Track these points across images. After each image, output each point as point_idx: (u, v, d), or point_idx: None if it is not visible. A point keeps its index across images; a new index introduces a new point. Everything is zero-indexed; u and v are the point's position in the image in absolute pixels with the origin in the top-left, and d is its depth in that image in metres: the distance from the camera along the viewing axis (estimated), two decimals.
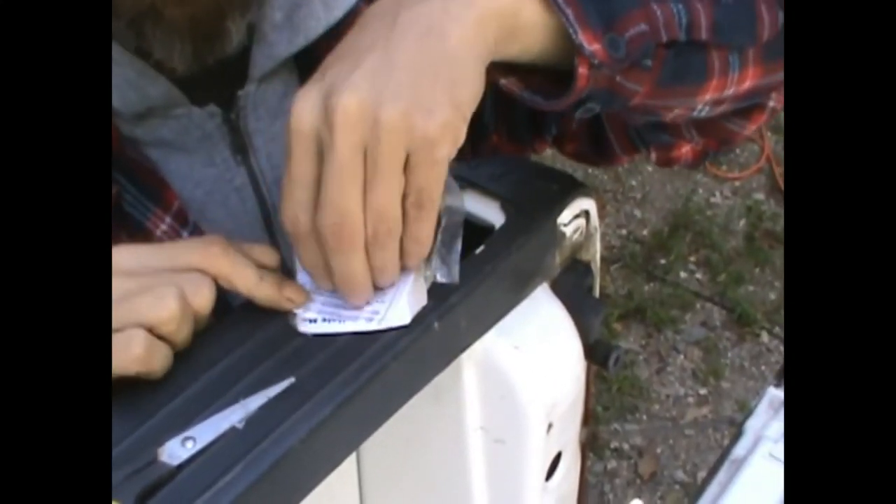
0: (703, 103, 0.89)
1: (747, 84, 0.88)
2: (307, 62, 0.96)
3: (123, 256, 0.74)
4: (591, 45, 0.77)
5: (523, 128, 1.06)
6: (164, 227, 0.94)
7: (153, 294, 0.71)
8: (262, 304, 0.76)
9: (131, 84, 0.90)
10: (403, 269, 0.76)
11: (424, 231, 0.74)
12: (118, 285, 0.72)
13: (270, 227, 1.00)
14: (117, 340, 0.69)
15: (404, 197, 0.72)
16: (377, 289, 0.76)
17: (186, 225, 0.94)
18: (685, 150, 0.98)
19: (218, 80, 0.92)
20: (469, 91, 0.74)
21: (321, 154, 0.72)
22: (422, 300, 0.76)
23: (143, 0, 0.81)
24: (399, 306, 0.75)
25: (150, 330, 0.71)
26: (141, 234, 0.93)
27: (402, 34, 0.73)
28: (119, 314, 0.70)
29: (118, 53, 0.88)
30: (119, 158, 0.92)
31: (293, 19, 0.93)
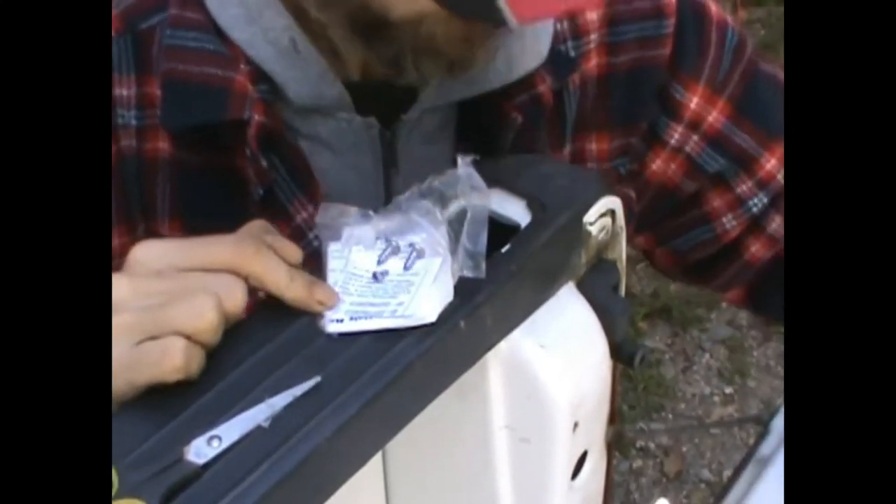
0: None
1: None
2: (471, 104, 0.99)
3: (154, 254, 0.75)
4: None
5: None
6: (304, 214, 0.96)
7: (191, 303, 0.72)
8: (291, 304, 0.76)
9: (310, 80, 0.93)
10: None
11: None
12: (151, 287, 0.73)
13: None
14: (155, 349, 0.70)
15: None
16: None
17: None
18: None
19: (385, 97, 0.95)
20: None
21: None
22: (448, 296, 0.76)
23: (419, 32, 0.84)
24: (421, 301, 0.75)
25: (188, 338, 0.71)
26: (283, 217, 0.95)
27: None
28: (156, 321, 0.71)
29: (307, 49, 0.92)
30: (281, 144, 0.94)
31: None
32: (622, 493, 2.88)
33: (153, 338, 0.70)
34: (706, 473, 2.93)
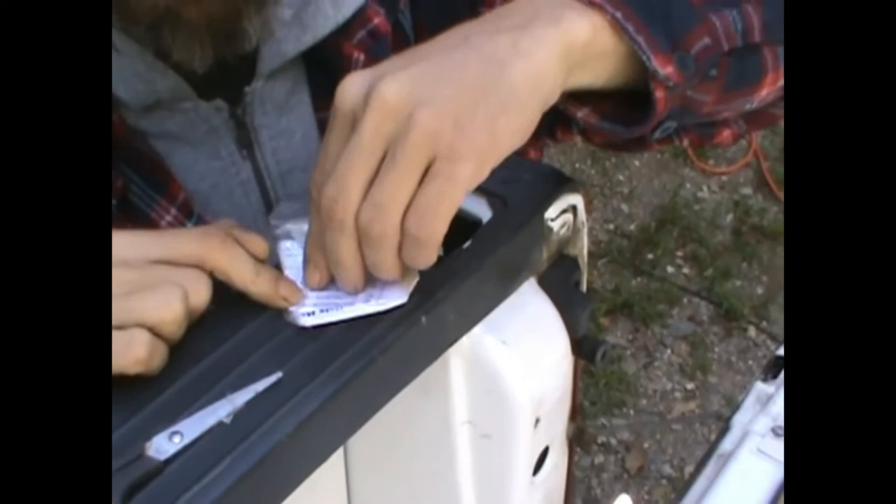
0: (759, 99, 0.91)
1: None
2: (315, 59, 0.97)
3: (123, 244, 0.74)
4: (665, 69, 0.78)
5: (548, 118, 1.09)
6: (168, 218, 0.95)
7: (157, 294, 0.71)
8: (256, 299, 0.76)
9: (140, 76, 0.91)
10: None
11: (421, 258, 0.73)
12: (118, 276, 0.72)
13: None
14: (119, 339, 0.69)
15: (407, 209, 0.71)
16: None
17: (191, 217, 0.95)
18: (725, 134, 0.98)
19: (226, 76, 0.93)
20: (515, 126, 0.74)
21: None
22: (414, 276, 0.76)
23: (159, 3, 0.81)
24: (393, 286, 0.76)
25: (151, 329, 0.71)
26: (146, 225, 0.93)
27: (465, 54, 0.74)
28: (121, 311, 0.70)
29: (129, 46, 0.89)
30: (126, 149, 0.93)
31: (302, 17, 0.94)
32: (583, 489, 2.89)
33: (118, 328, 0.70)
34: (668, 469, 2.94)
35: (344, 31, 0.95)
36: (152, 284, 0.72)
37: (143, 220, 0.94)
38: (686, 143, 0.98)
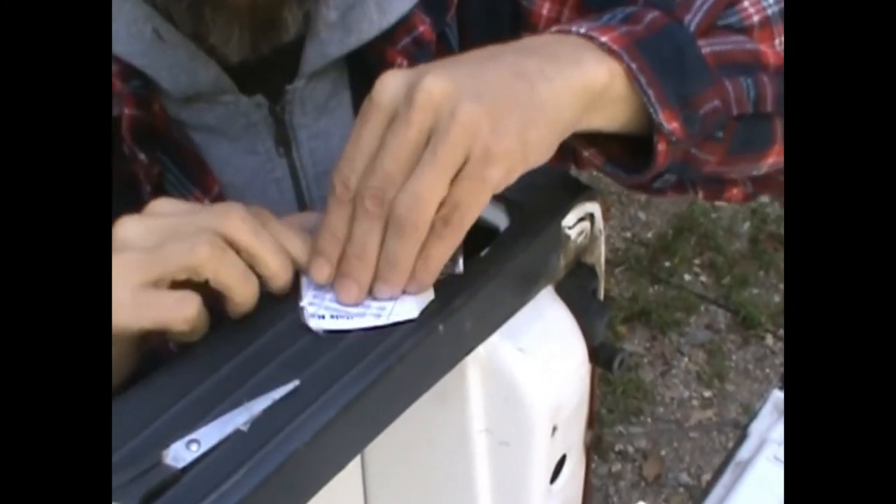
0: (766, 166, 0.93)
1: None
2: (358, 63, 0.98)
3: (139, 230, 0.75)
4: (670, 124, 0.80)
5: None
6: None
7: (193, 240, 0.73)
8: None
9: (183, 67, 0.92)
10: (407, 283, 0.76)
11: (438, 253, 0.74)
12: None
13: None
14: (170, 296, 0.72)
15: (437, 208, 0.73)
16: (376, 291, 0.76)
17: None
18: (734, 192, 0.99)
19: (268, 72, 0.94)
20: (543, 140, 0.76)
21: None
22: (428, 294, 0.76)
23: None
24: (405, 301, 0.76)
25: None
26: None
27: (498, 66, 0.76)
28: (161, 258, 0.73)
29: (172, 35, 0.90)
30: (164, 138, 0.94)
31: (347, 20, 0.94)
32: (601, 497, 2.88)
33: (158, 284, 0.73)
34: (685, 477, 2.94)
35: (388, 36, 0.96)
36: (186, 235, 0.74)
37: None
38: (700, 195, 0.99)
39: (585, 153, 0.86)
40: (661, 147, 0.81)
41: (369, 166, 0.73)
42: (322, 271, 0.76)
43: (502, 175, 0.73)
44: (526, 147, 0.74)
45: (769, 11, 0.90)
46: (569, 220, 0.85)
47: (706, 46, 0.84)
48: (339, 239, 0.75)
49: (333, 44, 0.95)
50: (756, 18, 0.89)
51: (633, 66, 0.80)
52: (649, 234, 3.61)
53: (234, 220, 0.74)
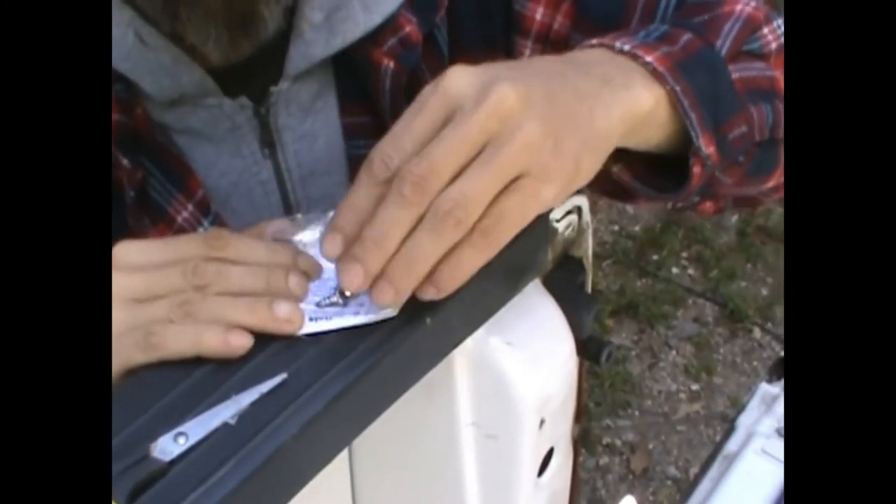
0: (765, 188, 0.95)
1: None
2: (344, 64, 0.98)
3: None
4: (708, 148, 0.81)
5: None
6: (185, 214, 0.95)
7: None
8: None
9: (166, 70, 0.91)
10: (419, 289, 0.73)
11: (468, 264, 0.72)
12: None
13: None
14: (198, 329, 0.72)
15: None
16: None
17: (208, 214, 0.96)
18: (707, 205, 0.99)
19: (253, 74, 0.94)
20: (593, 164, 0.76)
21: (447, 121, 0.71)
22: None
23: None
24: None
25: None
26: (163, 220, 0.94)
27: (564, 85, 0.75)
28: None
29: (154, 38, 0.90)
30: (147, 143, 0.93)
31: (332, 21, 0.94)
32: (588, 491, 2.88)
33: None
34: (673, 470, 2.94)
35: (374, 37, 0.96)
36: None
37: (160, 215, 0.94)
38: (670, 206, 0.99)
39: (614, 168, 0.85)
40: (696, 170, 0.82)
41: (417, 152, 0.70)
42: (334, 246, 0.72)
43: (553, 195, 0.72)
44: (578, 170, 0.73)
45: (783, 39, 0.91)
46: (556, 213, 0.85)
47: (735, 72, 0.85)
48: (360, 217, 0.71)
49: (318, 45, 0.95)
50: (774, 46, 0.91)
51: (678, 88, 0.80)
52: (637, 228, 3.61)
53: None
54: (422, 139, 0.70)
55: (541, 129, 0.70)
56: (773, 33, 0.91)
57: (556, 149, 0.71)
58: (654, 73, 0.80)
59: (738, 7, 0.89)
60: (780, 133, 0.89)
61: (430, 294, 0.72)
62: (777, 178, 0.94)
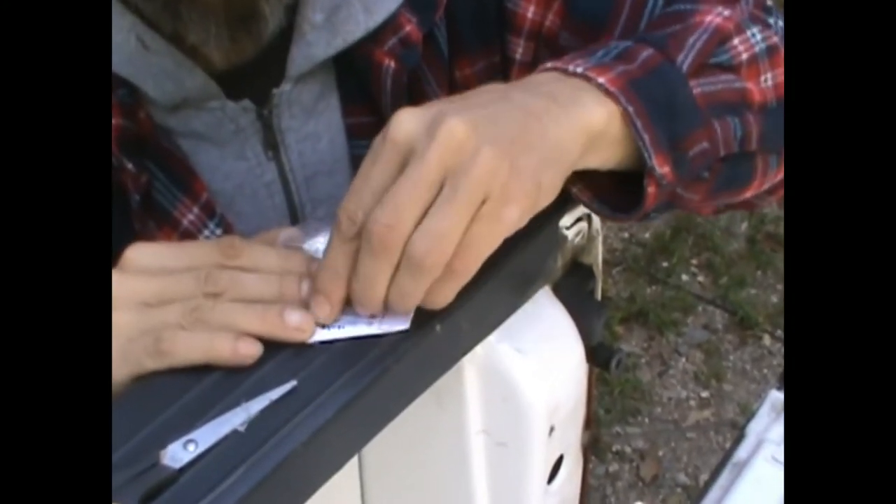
0: (742, 199, 0.95)
1: (781, 176, 0.95)
2: (346, 65, 0.98)
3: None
4: (662, 168, 0.80)
5: None
6: (190, 216, 0.95)
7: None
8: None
9: (168, 74, 0.91)
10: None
11: (449, 291, 0.73)
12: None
13: (296, 224, 1.00)
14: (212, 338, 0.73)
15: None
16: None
17: (213, 217, 0.96)
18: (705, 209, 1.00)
19: (255, 77, 0.94)
20: (554, 181, 0.75)
21: (403, 167, 0.72)
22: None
23: None
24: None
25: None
26: (168, 223, 0.95)
27: (510, 107, 0.75)
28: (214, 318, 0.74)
29: (156, 43, 0.90)
30: (152, 146, 0.93)
31: (333, 21, 0.94)
32: (598, 498, 2.88)
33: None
34: (682, 477, 2.93)
35: (375, 37, 0.96)
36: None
37: (165, 218, 0.95)
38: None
39: (573, 189, 0.85)
40: (650, 190, 0.81)
41: (379, 201, 0.71)
42: (322, 310, 0.75)
43: (518, 216, 0.72)
44: (540, 188, 0.73)
45: (756, 49, 0.90)
46: (566, 220, 0.85)
47: (697, 87, 0.84)
48: (342, 277, 0.74)
49: (320, 45, 0.95)
50: (745, 56, 0.89)
51: (630, 109, 0.79)
52: (647, 235, 3.61)
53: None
54: (381, 189, 0.72)
55: (495, 153, 0.70)
56: (745, 43, 0.90)
57: (513, 169, 0.71)
58: (607, 93, 0.79)
59: (708, 18, 0.88)
60: (752, 145, 0.88)
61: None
62: (757, 189, 0.93)
